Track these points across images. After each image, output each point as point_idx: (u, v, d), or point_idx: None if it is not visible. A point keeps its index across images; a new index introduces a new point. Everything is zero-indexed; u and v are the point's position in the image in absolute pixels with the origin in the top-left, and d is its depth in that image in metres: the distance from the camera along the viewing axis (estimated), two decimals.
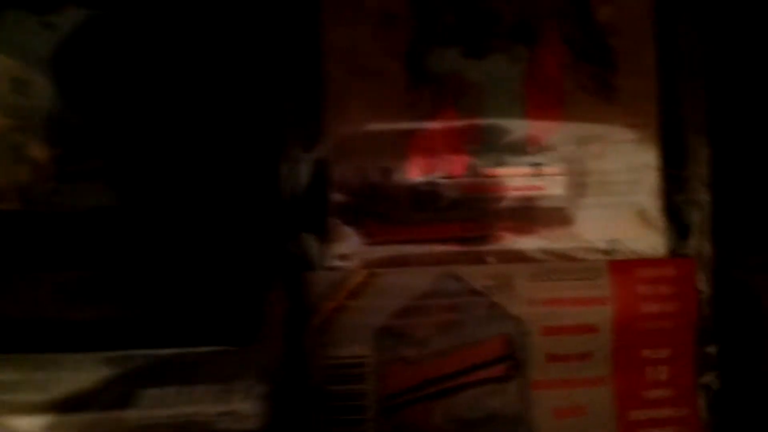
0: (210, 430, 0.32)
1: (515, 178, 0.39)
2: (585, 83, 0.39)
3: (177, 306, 0.35)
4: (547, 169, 0.39)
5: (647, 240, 0.39)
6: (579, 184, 0.39)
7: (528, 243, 0.39)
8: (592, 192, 0.39)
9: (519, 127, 0.39)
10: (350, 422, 0.37)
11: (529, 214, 0.39)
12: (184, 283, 0.35)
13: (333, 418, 0.37)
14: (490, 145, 0.39)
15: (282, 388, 0.34)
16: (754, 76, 0.42)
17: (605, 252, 0.39)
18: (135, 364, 0.31)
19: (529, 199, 0.39)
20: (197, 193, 0.38)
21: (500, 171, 0.39)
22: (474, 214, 0.39)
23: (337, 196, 0.38)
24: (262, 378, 0.33)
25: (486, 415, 0.37)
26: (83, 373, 0.32)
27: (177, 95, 0.38)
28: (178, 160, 0.38)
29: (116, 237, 0.37)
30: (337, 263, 0.38)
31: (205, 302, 0.35)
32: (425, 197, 0.39)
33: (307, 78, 0.38)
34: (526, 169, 0.39)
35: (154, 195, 0.37)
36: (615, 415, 0.38)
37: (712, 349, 0.39)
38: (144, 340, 0.33)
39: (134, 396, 0.31)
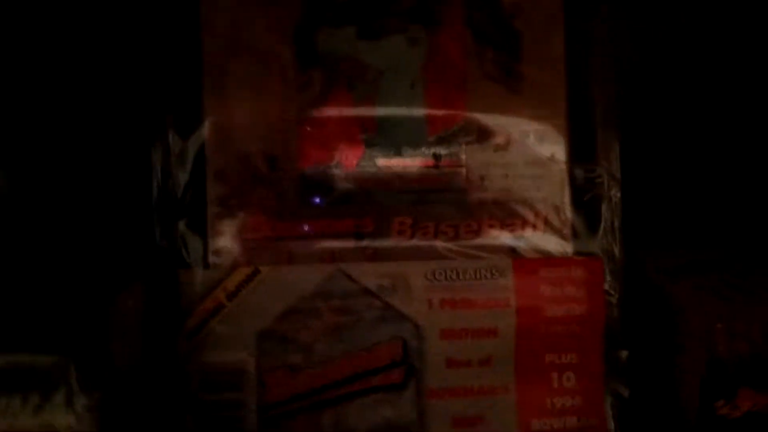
0: None
1: (413, 170, 0.37)
2: (489, 70, 0.38)
3: None
4: (447, 161, 0.38)
5: (554, 238, 0.38)
6: (481, 177, 0.38)
7: (426, 239, 0.37)
8: (496, 186, 0.38)
9: (418, 116, 0.38)
10: None
11: (429, 209, 0.37)
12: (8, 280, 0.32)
13: (208, 429, 0.35)
14: (386, 133, 0.37)
15: (118, 398, 0.31)
16: (672, 66, 0.42)
17: (509, 250, 0.38)
18: None
19: (429, 192, 0.37)
20: (49, 182, 0.35)
21: (397, 162, 0.37)
22: (368, 207, 0.37)
23: (217, 187, 0.36)
24: (90, 388, 0.30)
25: (378, 425, 0.36)
26: None
27: (34, 72, 0.35)
28: (37, 145, 0.35)
29: None
30: (216, 260, 0.36)
31: (28, 302, 0.32)
32: (315, 189, 0.37)
33: (184, 58, 0.36)
34: (426, 161, 0.38)
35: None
36: (517, 424, 0.37)
37: (621, 355, 0.38)
38: None
39: None
